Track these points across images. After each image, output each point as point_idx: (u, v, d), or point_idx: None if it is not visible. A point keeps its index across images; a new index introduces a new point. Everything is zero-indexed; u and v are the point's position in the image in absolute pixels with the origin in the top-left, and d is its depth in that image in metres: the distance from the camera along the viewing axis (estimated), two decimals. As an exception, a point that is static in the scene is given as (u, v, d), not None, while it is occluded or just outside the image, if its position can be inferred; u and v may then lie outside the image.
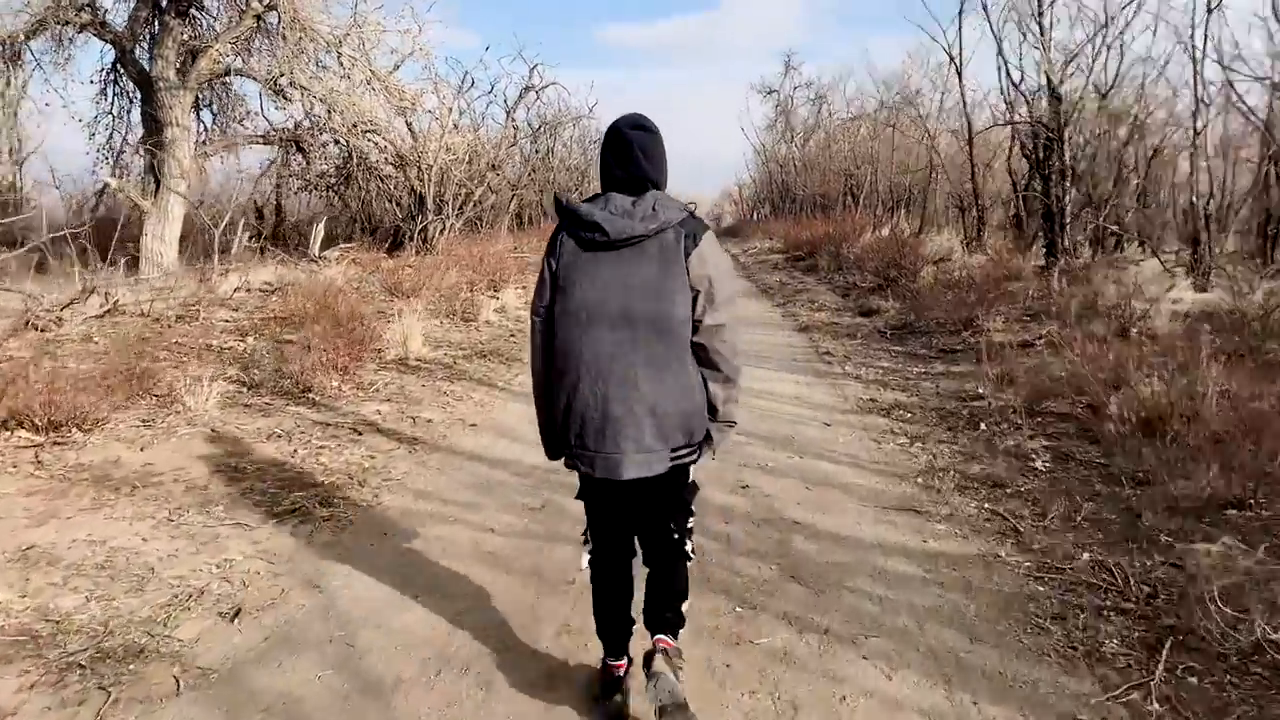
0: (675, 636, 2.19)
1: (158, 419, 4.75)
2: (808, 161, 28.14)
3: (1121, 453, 4.23)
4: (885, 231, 16.38)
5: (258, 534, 3.33)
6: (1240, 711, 2.18)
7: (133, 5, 11.64)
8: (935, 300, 8.83)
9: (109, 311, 7.54)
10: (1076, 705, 2.25)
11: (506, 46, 51.18)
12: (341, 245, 13.62)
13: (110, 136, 13.04)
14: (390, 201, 14.67)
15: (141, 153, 12.28)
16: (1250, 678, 2.31)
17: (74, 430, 4.27)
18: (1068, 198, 10.41)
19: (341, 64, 12.13)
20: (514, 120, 18.53)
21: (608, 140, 2.04)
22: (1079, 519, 3.51)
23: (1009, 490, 3.92)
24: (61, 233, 8.50)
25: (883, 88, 22.84)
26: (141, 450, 4.22)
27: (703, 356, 2.00)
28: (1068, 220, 10.45)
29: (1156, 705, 2.21)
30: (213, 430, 4.62)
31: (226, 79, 12.66)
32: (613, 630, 2.23)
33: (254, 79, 12.23)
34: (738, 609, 2.77)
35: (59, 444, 4.14)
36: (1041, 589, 2.91)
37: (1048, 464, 4.28)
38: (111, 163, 12.94)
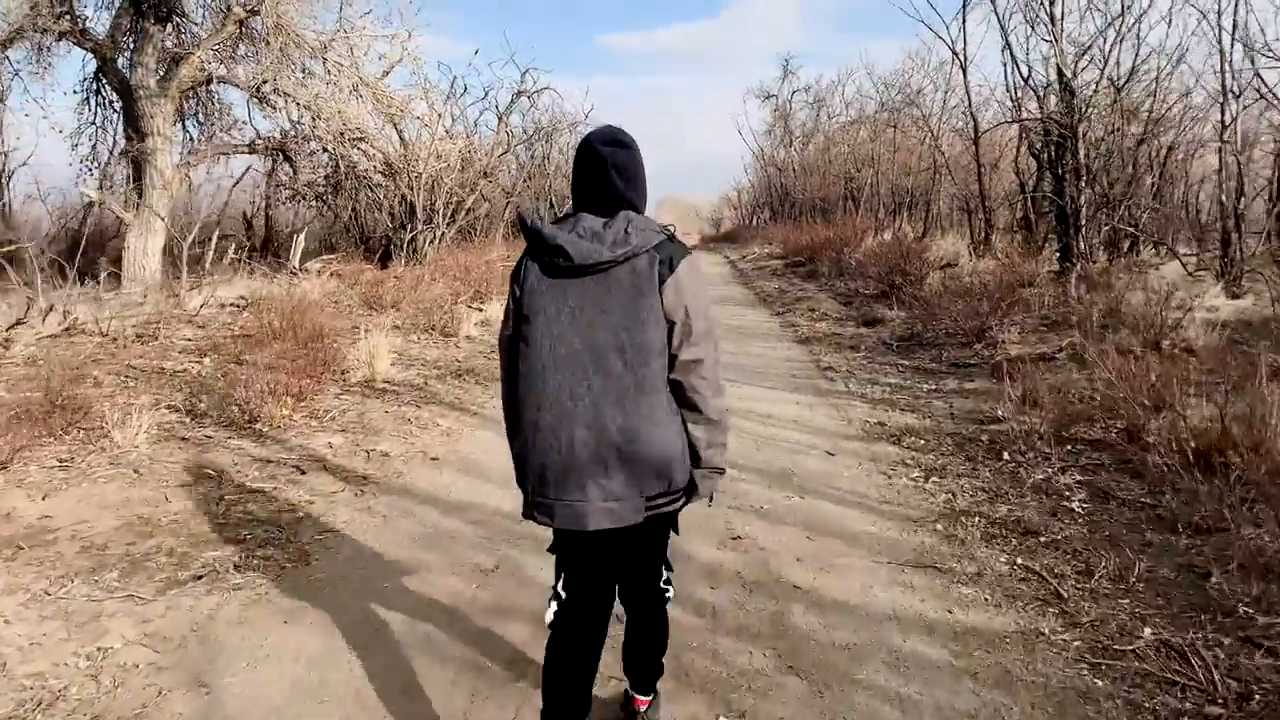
0: (654, 687, 2.12)
1: (77, 457, 4.22)
2: (807, 165, 27.58)
3: (1171, 491, 3.66)
4: (888, 236, 15.78)
5: (150, 610, 2.79)
6: None
7: (114, 12, 11.18)
8: (943, 309, 8.22)
9: (66, 330, 7.05)
10: None
11: (499, 52, 50.41)
12: (323, 257, 13.14)
13: (94, 147, 12.58)
14: (381, 211, 14.16)
15: (124, 163, 11.78)
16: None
17: (-32, 476, 3.75)
18: (1083, 198, 9.83)
19: (328, 70, 11.69)
20: (507, 126, 18.08)
21: (579, 156, 1.84)
22: (1132, 579, 2.94)
23: (1043, 539, 3.35)
24: (14, 247, 8.04)
25: (883, 88, 22.35)
26: (43, 499, 3.68)
27: (681, 396, 1.79)
28: (1083, 222, 9.87)
29: None
30: (135, 471, 4.09)
31: (210, 87, 12.20)
32: (564, 713, 1.84)
33: (237, 86, 11.81)
34: (722, 718, 2.22)
35: (-53, 494, 3.62)
36: (1099, 683, 2.35)
37: (1084, 503, 3.72)
38: (97, 174, 12.46)
